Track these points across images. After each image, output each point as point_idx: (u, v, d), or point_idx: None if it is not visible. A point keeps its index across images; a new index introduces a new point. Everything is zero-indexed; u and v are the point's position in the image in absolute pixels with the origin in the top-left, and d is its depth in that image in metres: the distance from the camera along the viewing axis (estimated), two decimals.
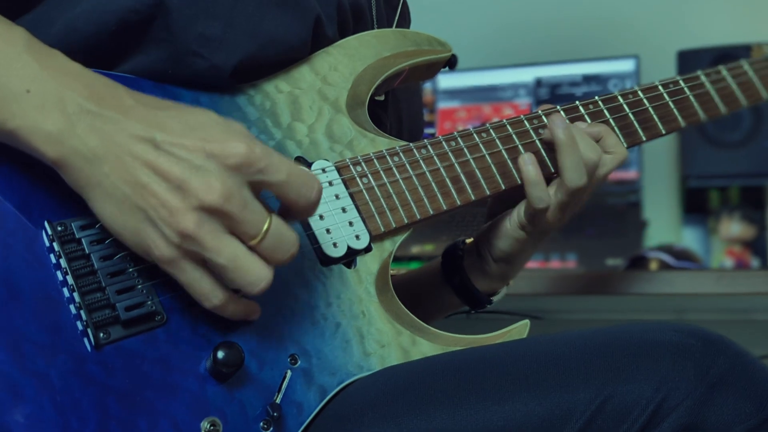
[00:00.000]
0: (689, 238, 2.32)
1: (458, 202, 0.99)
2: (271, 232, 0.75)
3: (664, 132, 1.15)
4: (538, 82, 2.42)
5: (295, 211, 0.80)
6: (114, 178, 0.74)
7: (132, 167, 0.73)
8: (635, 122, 1.14)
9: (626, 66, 2.35)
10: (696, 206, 2.31)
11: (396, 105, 1.20)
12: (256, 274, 0.75)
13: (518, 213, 1.07)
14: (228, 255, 0.74)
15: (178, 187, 0.73)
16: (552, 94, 2.40)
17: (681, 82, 1.22)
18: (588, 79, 2.37)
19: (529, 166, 1.03)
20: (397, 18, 1.17)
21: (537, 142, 1.06)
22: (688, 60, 2.18)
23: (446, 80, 2.49)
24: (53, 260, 0.78)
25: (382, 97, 1.12)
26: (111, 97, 0.77)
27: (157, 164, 0.73)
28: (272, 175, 0.76)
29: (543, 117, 1.08)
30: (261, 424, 0.80)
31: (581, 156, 1.03)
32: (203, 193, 0.72)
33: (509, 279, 1.15)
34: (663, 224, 2.38)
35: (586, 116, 1.10)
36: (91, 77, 0.78)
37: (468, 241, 1.17)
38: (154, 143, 0.74)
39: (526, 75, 2.44)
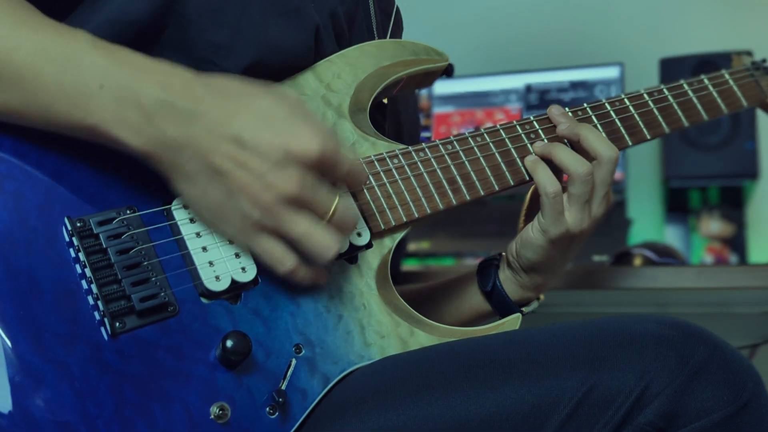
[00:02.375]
0: (671, 236, 2.32)
1: (454, 202, 0.99)
2: (339, 209, 0.81)
3: (649, 137, 1.15)
4: (528, 88, 2.42)
5: (350, 188, 0.89)
6: (196, 164, 0.78)
7: (214, 156, 0.78)
8: (621, 128, 1.13)
9: (611, 73, 2.35)
10: (677, 205, 2.31)
11: (395, 110, 1.21)
12: (328, 242, 0.80)
13: (539, 217, 1.03)
14: (303, 228, 0.80)
15: (258, 175, 0.77)
16: (541, 99, 2.40)
17: (665, 90, 1.22)
18: (575, 85, 2.37)
19: (531, 156, 1.04)
20: (391, 25, 1.18)
21: (528, 145, 1.06)
22: (670, 67, 2.18)
23: (441, 86, 2.49)
24: (72, 254, 0.79)
25: (386, 101, 1.12)
26: (182, 86, 0.79)
27: (240, 158, 0.78)
28: (339, 169, 0.82)
29: (534, 122, 1.08)
30: (267, 409, 0.81)
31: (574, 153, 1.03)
32: (282, 182, 0.78)
33: (542, 290, 1.10)
34: (646, 222, 2.38)
35: None
36: (159, 67, 0.80)
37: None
38: (234, 138, 0.78)
39: (517, 81, 2.44)
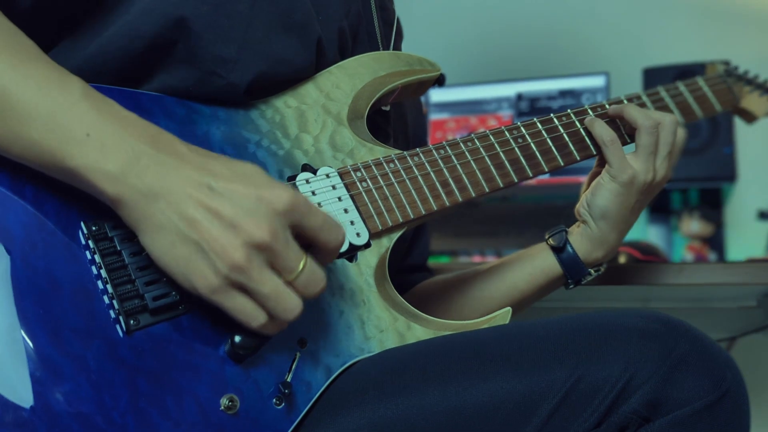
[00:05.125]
0: (654, 235, 2.32)
1: (447, 204, 0.99)
2: (306, 269, 0.76)
3: (628, 141, 1.16)
4: (519, 96, 2.42)
5: (323, 252, 0.80)
6: (169, 214, 0.73)
7: (187, 205, 0.73)
8: None
9: (597, 82, 2.35)
10: (660, 206, 2.31)
11: (402, 117, 1.21)
12: (293, 303, 0.76)
13: (607, 167, 1.10)
14: (271, 286, 0.74)
15: (230, 225, 0.73)
16: (531, 106, 2.40)
17: (643, 96, 1.23)
18: (563, 93, 2.38)
19: (589, 117, 1.14)
20: (393, 35, 1.18)
21: (516, 149, 1.06)
22: (653, 76, 2.18)
23: (437, 94, 2.49)
24: (89, 256, 0.79)
25: (387, 107, 1.12)
26: (166, 143, 0.77)
27: (212, 205, 0.73)
28: (312, 219, 0.77)
29: (522, 128, 1.08)
30: (274, 400, 0.81)
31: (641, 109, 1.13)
32: (253, 230, 0.73)
33: (608, 248, 1.13)
34: None
35: (560, 127, 1.11)
36: (146, 125, 0.78)
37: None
38: (209, 187, 0.74)
39: (508, 90, 2.44)
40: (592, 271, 1.14)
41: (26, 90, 0.75)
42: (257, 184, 0.76)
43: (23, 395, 0.72)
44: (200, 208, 0.73)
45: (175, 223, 0.73)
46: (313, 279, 0.77)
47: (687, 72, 2.05)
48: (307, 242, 0.79)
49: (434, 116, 2.49)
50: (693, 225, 2.21)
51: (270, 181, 0.77)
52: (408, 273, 1.26)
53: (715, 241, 2.21)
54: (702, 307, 1.76)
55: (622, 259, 1.65)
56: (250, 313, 0.76)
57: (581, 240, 1.12)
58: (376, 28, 1.12)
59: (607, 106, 1.16)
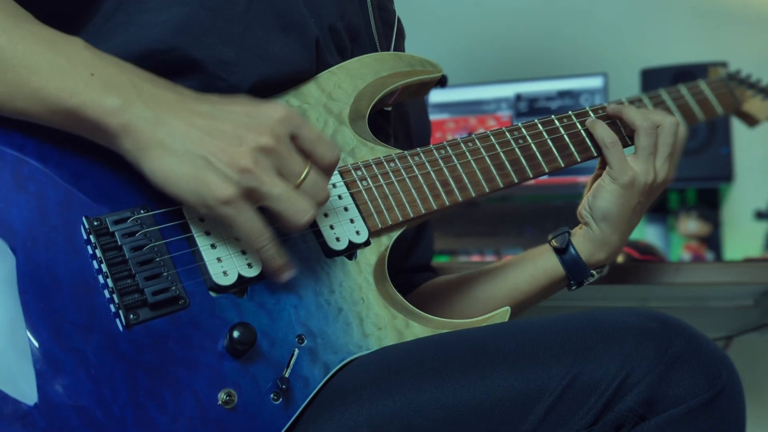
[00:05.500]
0: (651, 235, 2.32)
1: (447, 203, 0.99)
2: (311, 174, 0.81)
3: (629, 143, 1.15)
4: (518, 97, 2.42)
5: (321, 168, 0.83)
6: (176, 136, 0.77)
7: (191, 128, 0.77)
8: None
9: (596, 82, 2.35)
10: (657, 206, 2.31)
11: (404, 117, 1.21)
12: (305, 205, 0.80)
13: (607, 169, 1.10)
14: (282, 188, 0.78)
15: (234, 137, 0.77)
16: (530, 107, 2.40)
17: (645, 99, 1.22)
18: (562, 94, 2.37)
19: (590, 119, 1.14)
20: (394, 35, 1.18)
21: (517, 150, 1.06)
22: (651, 77, 2.18)
23: (436, 95, 2.49)
24: (90, 251, 0.79)
25: (389, 108, 1.12)
26: (164, 83, 0.81)
27: (215, 124, 0.78)
28: (308, 129, 0.82)
29: (522, 129, 1.08)
30: (272, 395, 0.81)
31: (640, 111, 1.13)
32: (257, 137, 0.78)
33: (610, 250, 1.12)
34: None
35: (560, 128, 1.11)
36: (145, 72, 0.81)
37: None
38: (209, 110, 0.79)
39: (508, 90, 2.44)
40: (595, 272, 1.14)
41: (27, 45, 0.77)
42: (251, 103, 0.81)
43: (26, 391, 0.72)
44: (203, 129, 0.77)
45: (181, 143, 0.76)
46: (318, 185, 0.82)
47: (685, 73, 2.05)
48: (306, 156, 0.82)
49: (434, 117, 2.49)
50: (690, 225, 2.20)
51: (260, 102, 0.82)
52: (411, 273, 1.26)
53: (713, 241, 2.21)
54: (699, 306, 1.76)
55: (619, 259, 1.65)
56: (258, 229, 0.79)
57: (583, 242, 1.12)
58: (373, 29, 1.12)
59: (608, 108, 1.16)
